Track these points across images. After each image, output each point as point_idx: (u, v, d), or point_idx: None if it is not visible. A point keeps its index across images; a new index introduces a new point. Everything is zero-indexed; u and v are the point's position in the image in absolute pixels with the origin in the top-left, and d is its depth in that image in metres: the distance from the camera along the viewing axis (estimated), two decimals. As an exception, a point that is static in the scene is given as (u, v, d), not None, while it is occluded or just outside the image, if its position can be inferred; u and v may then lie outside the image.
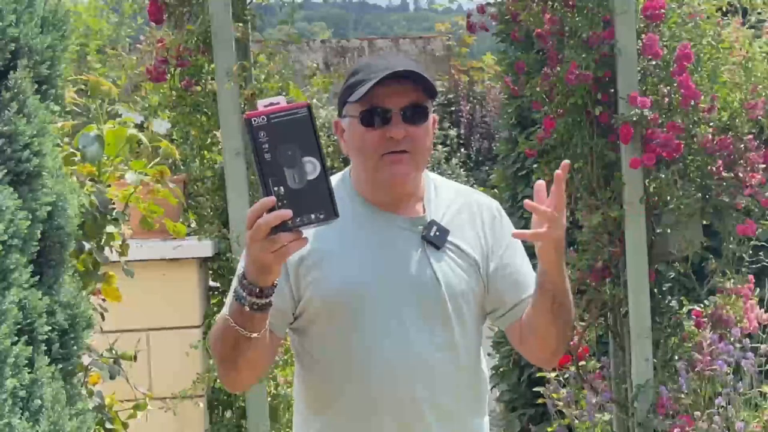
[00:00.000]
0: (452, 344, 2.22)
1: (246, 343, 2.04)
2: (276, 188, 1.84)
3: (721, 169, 3.85)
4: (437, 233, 2.21)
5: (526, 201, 2.05)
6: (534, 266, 2.22)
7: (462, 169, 11.99)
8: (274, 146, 1.85)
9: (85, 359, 2.64)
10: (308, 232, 1.98)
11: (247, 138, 4.06)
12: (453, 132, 12.57)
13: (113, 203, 2.81)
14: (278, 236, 1.85)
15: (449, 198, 2.30)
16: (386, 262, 2.20)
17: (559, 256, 2.09)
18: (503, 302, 2.27)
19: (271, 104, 1.87)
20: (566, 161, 2.07)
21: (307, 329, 2.22)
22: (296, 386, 2.34)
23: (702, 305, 4.05)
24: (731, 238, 4.00)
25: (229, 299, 2.22)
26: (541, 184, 2.06)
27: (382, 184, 2.21)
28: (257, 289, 1.96)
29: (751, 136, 3.89)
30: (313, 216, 1.85)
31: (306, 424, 2.29)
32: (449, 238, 2.23)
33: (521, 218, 5.62)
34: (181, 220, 4.17)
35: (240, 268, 2.23)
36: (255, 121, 1.85)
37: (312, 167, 1.85)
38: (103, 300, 2.94)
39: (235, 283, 2.08)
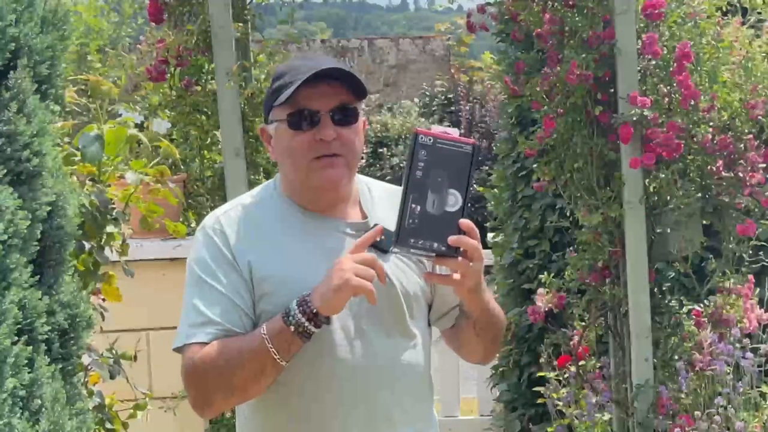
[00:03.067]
0: (411, 346, 2.22)
1: (272, 368, 2.02)
2: (413, 205, 1.91)
3: (721, 169, 3.85)
4: (382, 237, 2.17)
5: (427, 274, 2.10)
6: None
7: (462, 169, 11.96)
8: (428, 168, 1.91)
9: (85, 359, 2.65)
10: (257, 247, 2.09)
11: (246, 137, 4.08)
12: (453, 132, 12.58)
13: (113, 203, 2.82)
14: (372, 258, 1.97)
15: (384, 199, 2.26)
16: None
17: (475, 296, 2.08)
18: (445, 303, 2.28)
19: (446, 132, 1.99)
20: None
21: None
22: (248, 417, 2.24)
23: (702, 305, 4.05)
24: (731, 238, 4.00)
25: (191, 314, 2.16)
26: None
27: (315, 189, 2.16)
28: (314, 311, 1.98)
29: (751, 136, 3.89)
30: (435, 245, 1.93)
31: None
32: None
33: (521, 218, 5.63)
34: (181, 219, 4.17)
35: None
36: (421, 138, 1.92)
37: (454, 200, 1.92)
38: (103, 300, 2.95)
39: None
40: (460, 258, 1.95)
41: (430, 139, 1.92)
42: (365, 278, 1.97)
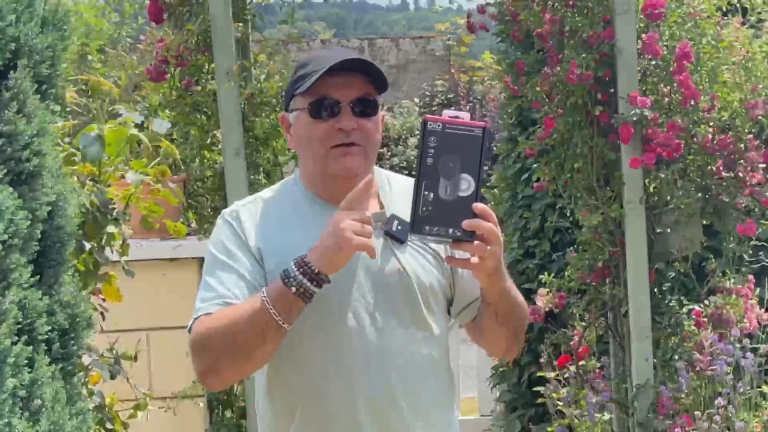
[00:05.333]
0: (425, 338, 2.22)
1: (273, 332, 2.02)
2: (426, 192, 1.91)
3: (721, 169, 3.85)
4: (399, 227, 2.18)
5: (447, 258, 2.09)
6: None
7: (462, 169, 11.95)
8: (438, 154, 1.92)
9: (86, 359, 2.65)
10: (268, 235, 2.10)
11: (246, 137, 4.08)
12: (453, 132, 12.52)
13: (114, 203, 2.82)
14: (368, 217, 1.96)
15: (404, 192, 2.23)
16: (351, 259, 2.14)
17: (495, 280, 2.08)
18: (467, 295, 2.27)
19: (457, 117, 1.95)
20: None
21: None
22: (262, 398, 2.28)
23: (702, 305, 4.05)
24: (731, 238, 4.00)
25: (203, 289, 2.16)
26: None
27: (333, 178, 2.17)
28: (315, 270, 1.98)
29: (751, 136, 3.89)
30: (450, 230, 1.92)
31: (278, 428, 2.24)
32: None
33: (521, 218, 5.63)
34: (181, 220, 4.17)
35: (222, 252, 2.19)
36: (430, 125, 1.93)
37: (467, 185, 1.92)
38: (104, 300, 2.95)
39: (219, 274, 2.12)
40: (476, 242, 1.95)
41: (438, 125, 1.93)
42: (363, 236, 1.98)
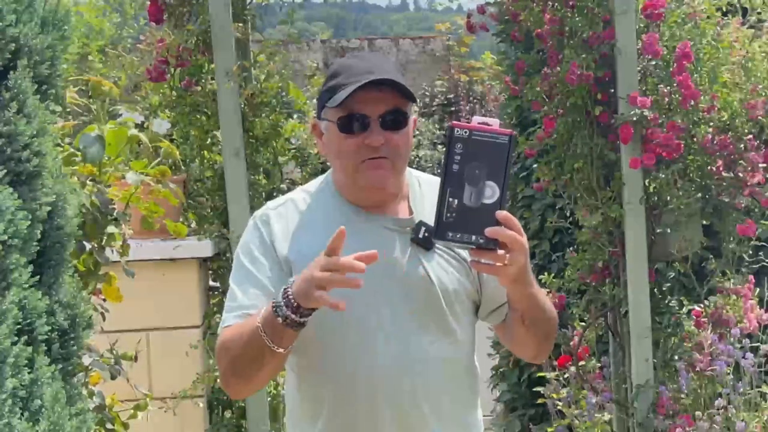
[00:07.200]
0: (449, 342, 2.23)
1: (270, 355, 2.06)
2: (451, 198, 1.92)
3: (721, 169, 3.85)
4: (426, 234, 2.20)
5: (472, 262, 2.05)
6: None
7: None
8: (465, 161, 1.93)
9: (86, 359, 2.65)
10: (297, 242, 2.12)
11: (246, 137, 4.09)
12: (453, 132, 12.52)
13: (114, 203, 2.81)
14: (334, 276, 1.94)
15: (433, 193, 2.21)
16: (376, 264, 2.14)
17: (519, 286, 2.07)
18: (494, 300, 2.28)
19: (485, 123, 1.95)
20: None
21: (304, 342, 2.18)
22: (290, 396, 2.33)
23: (702, 305, 4.05)
24: (731, 238, 4.00)
25: (229, 298, 2.22)
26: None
27: (362, 189, 2.20)
28: (295, 304, 1.99)
29: (751, 136, 3.89)
30: (473, 237, 1.93)
31: (303, 429, 2.28)
32: None
33: (521, 218, 5.63)
34: (181, 220, 4.17)
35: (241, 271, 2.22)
36: (457, 131, 1.94)
37: (491, 192, 1.93)
38: (104, 300, 2.94)
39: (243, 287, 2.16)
40: (499, 251, 1.95)
41: (465, 132, 1.93)
42: (331, 283, 1.96)
